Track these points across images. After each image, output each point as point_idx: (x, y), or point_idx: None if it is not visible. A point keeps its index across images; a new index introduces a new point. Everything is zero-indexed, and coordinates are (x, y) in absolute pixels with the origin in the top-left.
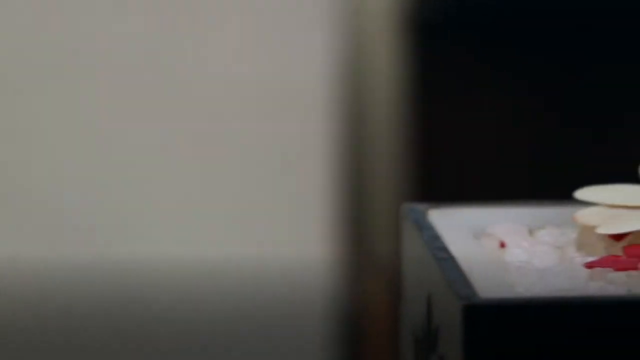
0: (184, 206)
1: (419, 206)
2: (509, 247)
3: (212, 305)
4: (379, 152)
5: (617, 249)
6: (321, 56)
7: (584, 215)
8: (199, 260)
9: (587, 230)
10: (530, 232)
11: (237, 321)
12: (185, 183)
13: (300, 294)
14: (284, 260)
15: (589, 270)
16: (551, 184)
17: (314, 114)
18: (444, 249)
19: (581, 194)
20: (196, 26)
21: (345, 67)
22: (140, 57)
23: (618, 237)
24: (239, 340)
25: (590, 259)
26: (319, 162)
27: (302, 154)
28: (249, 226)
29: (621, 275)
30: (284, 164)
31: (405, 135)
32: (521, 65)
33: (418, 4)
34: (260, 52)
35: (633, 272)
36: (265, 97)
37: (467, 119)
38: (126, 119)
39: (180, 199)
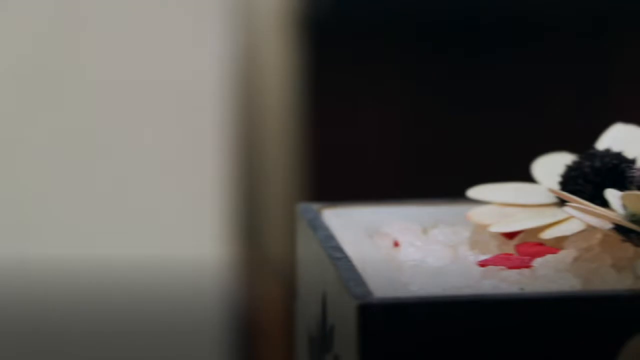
0: (78, 206)
1: (313, 205)
2: (403, 246)
3: (106, 305)
4: (272, 151)
5: (510, 247)
6: (214, 54)
7: (476, 214)
8: (92, 260)
9: (479, 229)
10: (424, 230)
11: (130, 321)
12: (80, 183)
13: (195, 293)
14: (178, 260)
15: (482, 268)
16: (444, 182)
17: (207, 113)
18: (338, 248)
19: (474, 192)
20: (88, 25)
21: (238, 66)
22: (45, 56)
23: (510, 236)
24: (133, 341)
25: (483, 257)
26: (212, 161)
27: (195, 153)
28: (143, 226)
29: (513, 273)
30: (177, 164)
31: (299, 134)
32: (415, 63)
33: (310, 2)
34: (153, 51)
35: (525, 270)
36: (158, 96)
37: (361, 118)
38: (27, 118)
39: (74, 199)
